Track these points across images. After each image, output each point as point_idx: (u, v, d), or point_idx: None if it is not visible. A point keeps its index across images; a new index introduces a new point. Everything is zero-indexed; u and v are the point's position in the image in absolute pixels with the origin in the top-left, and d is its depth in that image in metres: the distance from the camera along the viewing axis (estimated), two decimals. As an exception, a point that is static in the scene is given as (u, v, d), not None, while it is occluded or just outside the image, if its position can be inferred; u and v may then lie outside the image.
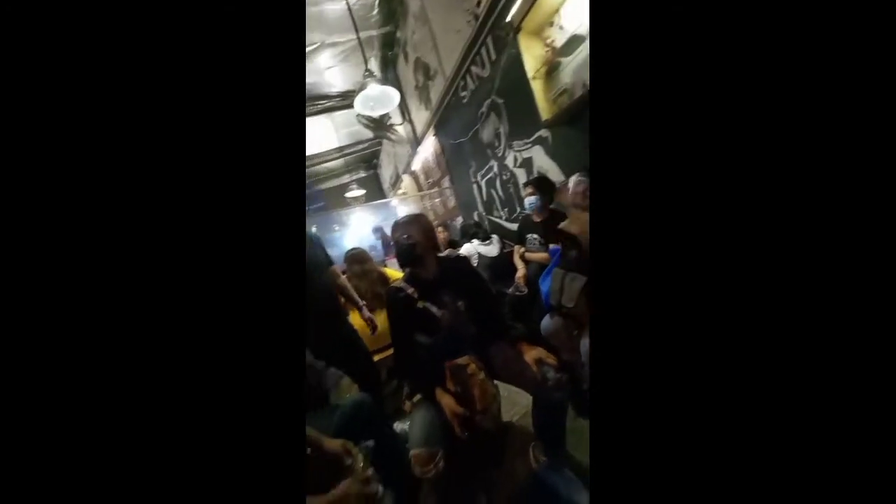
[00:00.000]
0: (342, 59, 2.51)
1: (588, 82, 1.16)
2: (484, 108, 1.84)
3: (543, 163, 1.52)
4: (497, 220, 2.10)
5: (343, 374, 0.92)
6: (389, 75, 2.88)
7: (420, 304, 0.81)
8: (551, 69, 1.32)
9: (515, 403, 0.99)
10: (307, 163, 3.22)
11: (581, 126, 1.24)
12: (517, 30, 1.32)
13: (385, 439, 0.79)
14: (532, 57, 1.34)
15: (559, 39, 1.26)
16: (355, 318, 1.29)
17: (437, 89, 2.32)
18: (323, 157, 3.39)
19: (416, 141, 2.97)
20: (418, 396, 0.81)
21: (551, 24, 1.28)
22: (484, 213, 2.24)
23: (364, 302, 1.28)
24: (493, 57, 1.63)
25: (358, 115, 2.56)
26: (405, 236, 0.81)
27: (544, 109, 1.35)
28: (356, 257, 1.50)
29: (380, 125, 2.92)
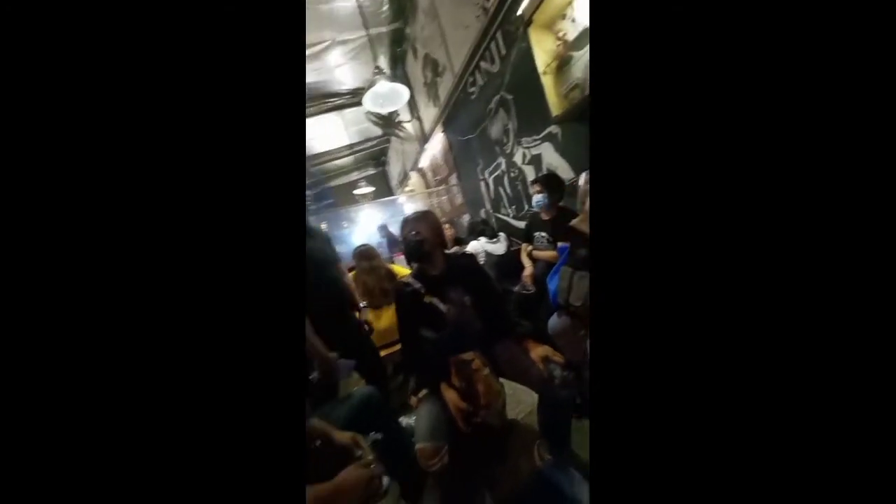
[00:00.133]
0: (352, 56, 2.53)
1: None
2: (493, 105, 1.83)
3: (553, 160, 1.49)
4: (504, 217, 2.08)
5: (355, 365, 0.94)
6: (399, 72, 2.88)
7: (427, 300, 0.81)
8: (562, 64, 1.29)
9: (521, 401, 0.99)
10: (317, 160, 3.26)
11: (592, 122, 1.21)
12: (528, 23, 1.30)
13: (392, 433, 0.80)
14: (543, 51, 1.31)
15: (571, 33, 1.23)
16: (362, 313, 1.31)
17: (445, 86, 2.31)
18: (333, 154, 3.43)
19: (424, 138, 2.97)
20: (424, 391, 0.82)
21: (563, 16, 1.25)
22: (491, 211, 2.23)
23: (365, 302, 1.30)
24: (503, 52, 1.61)
25: (367, 112, 2.57)
26: (414, 232, 0.82)
27: (555, 105, 1.32)
28: (365, 254, 1.52)
29: (388, 122, 2.93)
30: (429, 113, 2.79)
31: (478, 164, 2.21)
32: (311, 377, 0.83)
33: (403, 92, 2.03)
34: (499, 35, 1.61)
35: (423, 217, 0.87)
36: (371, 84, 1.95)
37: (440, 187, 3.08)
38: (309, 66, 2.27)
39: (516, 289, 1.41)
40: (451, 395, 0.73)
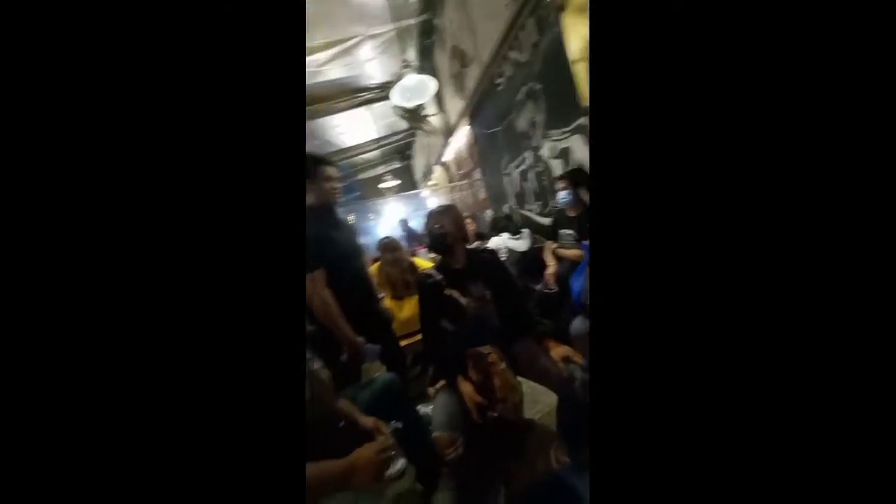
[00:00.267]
0: (382, 50, 2.56)
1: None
2: (521, 95, 1.76)
3: (582, 153, 1.42)
4: (528, 213, 2.03)
5: (380, 351, 0.99)
6: (427, 64, 2.87)
7: (447, 292, 0.83)
8: (598, 50, 1.20)
9: (538, 402, 0.98)
10: (347, 154, 3.38)
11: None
12: (561, 7, 1.23)
13: (410, 419, 0.84)
14: (576, 38, 1.24)
15: (610, 16, 1.15)
16: (386, 302, 1.36)
17: (472, 77, 2.26)
18: (361, 148, 3.53)
19: (449, 131, 2.95)
20: (442, 382, 0.84)
21: None
22: (515, 206, 2.18)
23: (387, 292, 1.34)
24: (534, 40, 1.54)
25: (394, 106, 2.61)
26: (438, 226, 0.84)
27: (586, 95, 1.25)
28: (389, 245, 1.57)
29: (414, 116, 2.95)
30: (454, 106, 2.76)
31: (502, 158, 2.16)
32: (340, 358, 0.88)
33: (431, 84, 2.03)
34: (530, 22, 1.54)
35: (446, 211, 0.88)
36: (399, 77, 1.97)
37: (463, 181, 3.06)
38: (340, 62, 2.34)
39: (538, 287, 1.38)
40: (467, 388, 0.74)
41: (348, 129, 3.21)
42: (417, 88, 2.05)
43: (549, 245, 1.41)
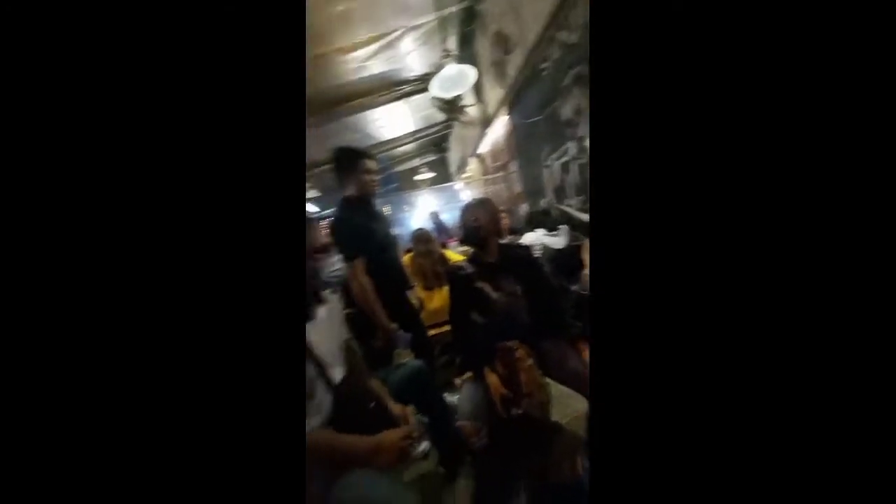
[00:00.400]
0: (423, 41, 2.56)
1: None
2: (567, 80, 1.63)
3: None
4: (568, 209, 1.90)
5: (411, 339, 1.04)
6: (467, 53, 2.80)
7: (478, 285, 0.83)
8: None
9: (567, 406, 0.94)
10: (385, 147, 3.49)
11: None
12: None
13: (436, 404, 0.87)
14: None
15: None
16: (416, 292, 1.40)
17: (515, 63, 2.15)
18: (398, 141, 3.62)
19: (486, 122, 2.87)
20: (469, 374, 0.85)
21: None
22: (553, 201, 2.06)
23: (414, 284, 1.38)
24: (586, 18, 1.41)
25: (432, 97, 2.61)
26: (473, 218, 0.84)
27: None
28: (422, 237, 1.61)
29: (452, 107, 2.92)
30: (494, 95, 2.66)
31: (542, 149, 2.04)
32: (374, 343, 0.95)
33: (470, 73, 1.98)
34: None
35: (482, 204, 0.88)
36: (439, 68, 1.96)
37: (497, 174, 2.97)
38: (383, 56, 2.39)
39: (574, 287, 1.31)
40: (493, 380, 0.74)
41: (387, 123, 3.30)
42: (456, 78, 2.02)
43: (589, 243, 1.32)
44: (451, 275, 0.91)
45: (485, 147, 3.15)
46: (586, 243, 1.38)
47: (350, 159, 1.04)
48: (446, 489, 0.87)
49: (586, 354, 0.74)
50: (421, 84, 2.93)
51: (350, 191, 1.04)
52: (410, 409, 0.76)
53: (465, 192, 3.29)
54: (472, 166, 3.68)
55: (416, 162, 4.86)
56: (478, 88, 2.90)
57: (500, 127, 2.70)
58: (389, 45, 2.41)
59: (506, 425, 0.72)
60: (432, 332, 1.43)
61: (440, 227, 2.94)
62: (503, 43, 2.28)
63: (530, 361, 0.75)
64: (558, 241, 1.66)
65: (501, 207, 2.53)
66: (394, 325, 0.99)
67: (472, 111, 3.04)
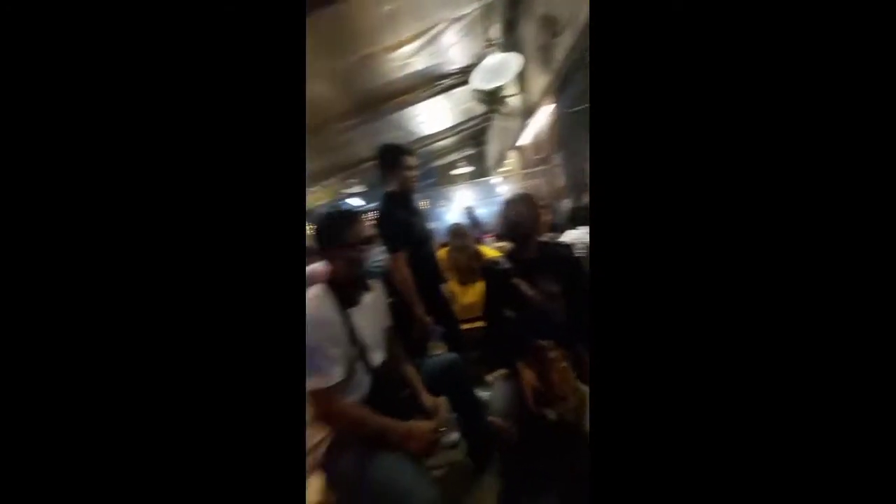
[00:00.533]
0: (465, 33, 2.51)
1: None
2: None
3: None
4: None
5: (444, 332, 1.07)
6: (511, 40, 2.69)
7: (515, 281, 0.82)
8: None
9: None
10: (425, 142, 3.56)
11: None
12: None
13: (468, 397, 0.89)
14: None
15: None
16: (450, 286, 1.43)
17: (563, 46, 2.00)
18: (438, 136, 3.65)
19: (528, 112, 2.74)
20: (502, 371, 0.85)
21: None
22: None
23: (449, 278, 1.40)
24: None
25: (473, 90, 2.57)
26: (513, 213, 0.83)
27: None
28: (458, 232, 1.62)
29: (493, 98, 2.84)
30: (538, 83, 2.52)
31: (587, 141, 1.87)
32: (411, 334, 1.00)
33: (513, 62, 1.90)
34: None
35: (523, 199, 0.86)
36: (480, 58, 1.92)
37: (538, 168, 2.83)
38: (426, 52, 2.42)
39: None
40: (527, 375, 0.73)
41: (427, 118, 3.35)
42: (498, 68, 1.95)
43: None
44: (487, 270, 0.91)
45: (526, 139, 3.01)
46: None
47: (392, 156, 1.09)
48: (473, 483, 0.88)
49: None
50: (462, 77, 2.90)
51: (392, 186, 1.09)
52: (442, 400, 0.79)
53: (503, 186, 3.20)
54: (512, 160, 3.56)
55: (454, 157, 4.86)
56: (521, 77, 2.77)
57: (543, 117, 2.56)
58: (432, 40, 2.42)
59: (537, 425, 0.70)
60: (465, 326, 1.44)
61: (475, 222, 2.92)
62: (551, 25, 2.13)
63: (564, 364, 0.72)
64: (604, 240, 1.52)
65: (542, 203, 2.41)
66: (429, 318, 1.02)
67: (514, 101, 2.92)
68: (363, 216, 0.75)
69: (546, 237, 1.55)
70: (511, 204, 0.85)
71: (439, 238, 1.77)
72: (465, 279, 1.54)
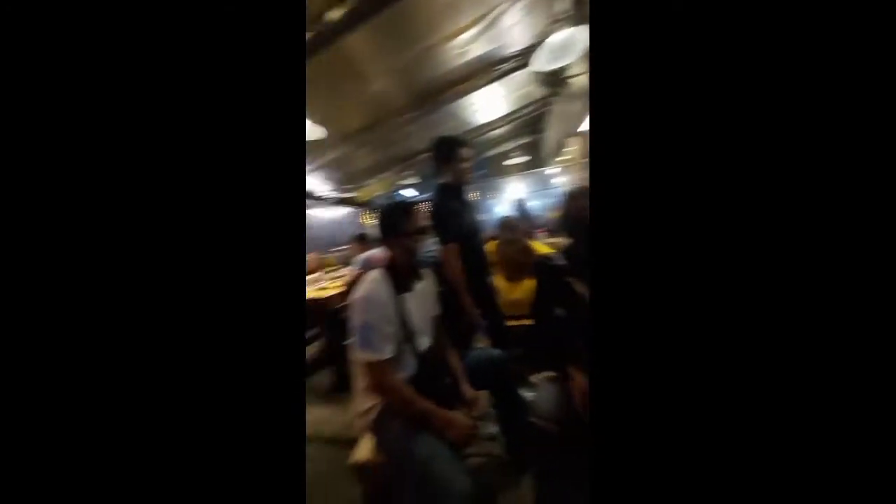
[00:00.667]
0: (528, 11, 2.33)
1: None
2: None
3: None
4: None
5: (489, 325, 1.07)
6: (581, 12, 2.40)
7: (568, 279, 0.76)
8: None
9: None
10: (479, 132, 3.49)
11: None
12: None
13: (511, 398, 0.88)
14: None
15: None
16: (496, 281, 1.40)
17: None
18: (492, 125, 3.54)
19: (598, 93, 2.42)
20: (548, 373, 0.81)
21: None
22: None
23: (496, 272, 1.36)
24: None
25: (533, 72, 2.39)
26: (574, 208, 0.77)
27: None
28: (508, 225, 1.57)
29: (554, 80, 2.60)
30: (612, 58, 2.19)
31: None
32: (458, 325, 1.02)
33: (580, 37, 1.70)
34: None
35: (587, 194, 0.78)
36: (543, 37, 1.76)
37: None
38: (485, 37, 2.33)
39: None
40: (579, 379, 0.69)
41: (482, 107, 3.26)
42: (564, 46, 1.77)
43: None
44: (540, 266, 0.86)
45: (589, 123, 2.69)
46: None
47: (448, 148, 1.10)
48: (509, 478, 0.88)
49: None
50: (521, 60, 2.72)
51: (447, 178, 1.11)
52: (483, 393, 0.79)
53: (560, 177, 2.95)
54: (573, 147, 3.24)
55: (508, 145, 4.66)
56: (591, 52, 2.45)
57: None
58: (493, 23, 2.31)
59: (582, 431, 0.66)
60: (510, 322, 1.41)
61: (526, 215, 2.77)
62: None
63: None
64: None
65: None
66: (477, 311, 1.03)
67: (579, 81, 2.62)
68: (420, 208, 0.78)
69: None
70: (572, 198, 0.79)
71: (489, 231, 1.75)
72: (513, 275, 1.49)
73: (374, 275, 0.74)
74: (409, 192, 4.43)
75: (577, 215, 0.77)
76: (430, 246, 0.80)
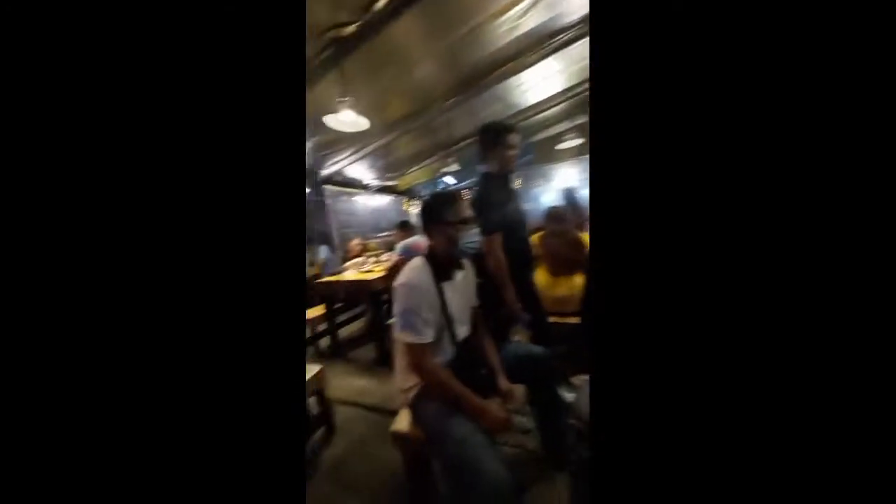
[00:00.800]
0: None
1: None
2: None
3: None
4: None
5: (531, 320, 1.04)
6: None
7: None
8: None
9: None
10: (526, 114, 3.26)
11: None
12: None
13: (549, 397, 0.85)
14: None
15: None
16: (539, 276, 1.33)
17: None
18: (543, 105, 3.26)
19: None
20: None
21: None
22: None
23: (542, 266, 1.27)
24: None
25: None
26: None
27: None
28: (557, 216, 1.46)
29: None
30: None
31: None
32: (498, 315, 1.01)
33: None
34: None
35: None
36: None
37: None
38: (538, 7, 2.12)
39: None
40: None
41: (533, 85, 3.01)
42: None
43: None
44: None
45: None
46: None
47: (494, 134, 1.05)
48: (543, 474, 0.87)
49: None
50: (580, 29, 2.41)
51: (492, 166, 1.06)
52: (519, 388, 0.78)
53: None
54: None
55: (561, 127, 4.27)
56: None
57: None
58: (548, -10, 2.08)
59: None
60: (553, 319, 1.34)
61: (576, 205, 2.52)
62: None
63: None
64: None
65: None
66: (518, 305, 1.00)
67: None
68: (463, 197, 0.77)
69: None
70: None
71: (534, 222, 1.65)
72: (559, 270, 1.40)
73: (417, 262, 0.76)
74: (450, 180, 4.40)
75: None
76: (473, 236, 0.79)
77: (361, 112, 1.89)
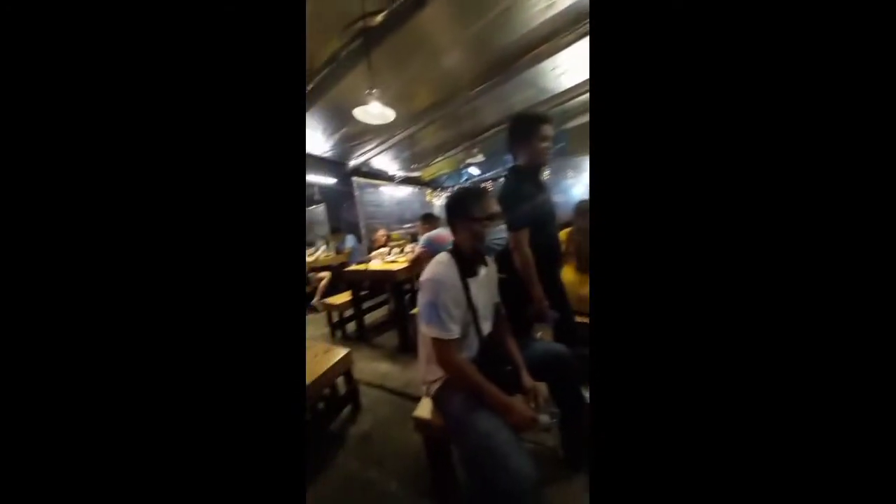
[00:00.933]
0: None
1: None
2: None
3: None
4: None
5: (558, 318, 1.01)
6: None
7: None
8: None
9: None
10: (559, 100, 3.05)
11: None
12: None
13: (572, 398, 0.83)
14: None
15: None
16: (567, 273, 1.28)
17: None
18: (578, 90, 3.03)
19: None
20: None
21: None
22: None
23: (569, 263, 1.22)
24: None
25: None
26: None
27: None
28: (586, 211, 1.39)
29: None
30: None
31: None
32: (525, 313, 0.99)
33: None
34: None
35: None
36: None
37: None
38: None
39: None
40: None
41: (569, 68, 2.79)
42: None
43: None
44: None
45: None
46: None
47: (527, 125, 0.99)
48: (562, 473, 0.86)
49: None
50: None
51: (522, 159, 1.02)
52: (542, 386, 0.77)
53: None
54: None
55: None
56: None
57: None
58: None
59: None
60: (578, 319, 1.30)
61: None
62: None
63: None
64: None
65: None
66: (546, 302, 0.97)
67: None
68: (490, 192, 0.75)
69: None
70: None
71: (563, 216, 1.57)
72: (588, 267, 1.33)
73: (443, 257, 0.76)
74: (474, 171, 4.30)
75: None
76: (500, 232, 0.77)
77: (388, 103, 1.89)
